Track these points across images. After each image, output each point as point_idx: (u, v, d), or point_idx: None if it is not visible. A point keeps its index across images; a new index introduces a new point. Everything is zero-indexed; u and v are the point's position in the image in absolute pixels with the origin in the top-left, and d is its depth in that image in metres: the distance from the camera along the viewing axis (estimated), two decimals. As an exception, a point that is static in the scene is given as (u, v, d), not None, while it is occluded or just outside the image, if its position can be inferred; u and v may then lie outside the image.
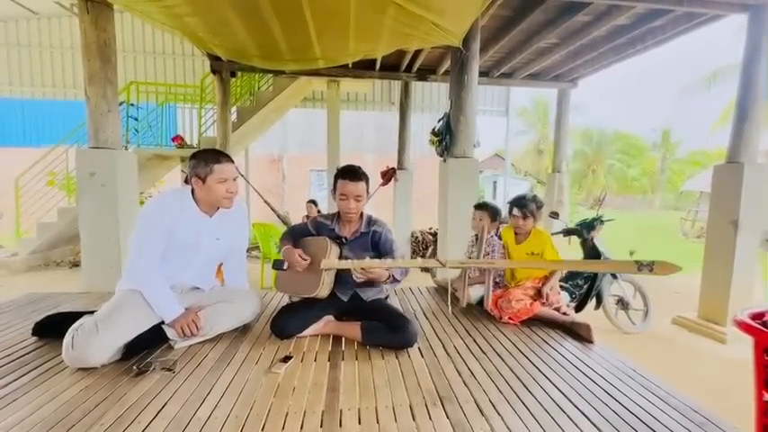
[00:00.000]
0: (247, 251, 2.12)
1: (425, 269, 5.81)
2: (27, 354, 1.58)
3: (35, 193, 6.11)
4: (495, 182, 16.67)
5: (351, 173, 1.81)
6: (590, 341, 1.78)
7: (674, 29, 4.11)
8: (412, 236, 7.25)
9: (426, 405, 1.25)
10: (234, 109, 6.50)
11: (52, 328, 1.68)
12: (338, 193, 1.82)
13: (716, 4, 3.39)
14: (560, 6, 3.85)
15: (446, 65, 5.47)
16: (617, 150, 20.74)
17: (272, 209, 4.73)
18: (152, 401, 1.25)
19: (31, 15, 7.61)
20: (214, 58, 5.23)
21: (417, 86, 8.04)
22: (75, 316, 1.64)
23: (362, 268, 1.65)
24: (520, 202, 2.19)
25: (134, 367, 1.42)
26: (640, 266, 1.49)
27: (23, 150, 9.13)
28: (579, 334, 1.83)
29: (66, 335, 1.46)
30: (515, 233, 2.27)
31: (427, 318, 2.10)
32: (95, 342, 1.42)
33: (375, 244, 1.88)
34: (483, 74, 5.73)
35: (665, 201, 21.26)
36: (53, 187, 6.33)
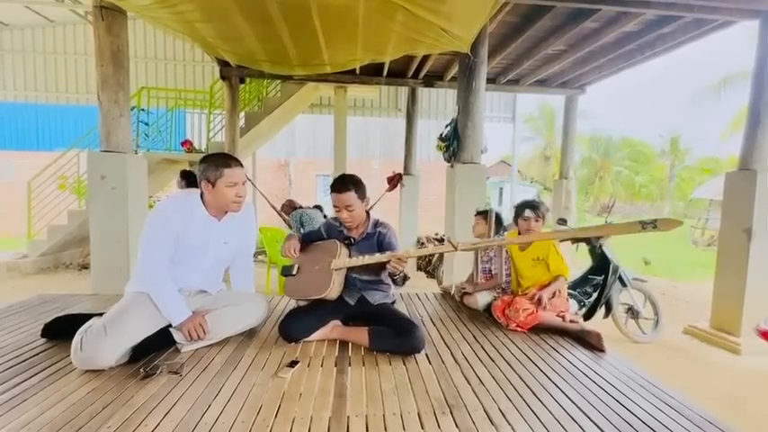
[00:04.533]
0: (254, 255, 2.13)
1: (431, 275, 5.80)
2: (36, 355, 1.59)
3: (47, 195, 6.21)
4: (501, 188, 16.61)
5: (336, 184, 1.84)
6: (601, 350, 1.75)
7: (684, 35, 4.08)
8: (418, 241, 7.23)
9: (435, 413, 1.23)
10: (242, 114, 6.58)
11: (61, 330, 1.69)
12: (332, 204, 1.87)
13: (727, 11, 3.37)
14: (568, 13, 3.85)
15: (453, 71, 5.49)
16: (624, 157, 20.54)
17: (279, 213, 4.74)
18: (159, 404, 1.25)
19: (47, 23, 7.81)
20: (223, 65, 5.30)
21: (424, 93, 8.08)
22: (84, 318, 1.65)
23: (398, 258, 1.69)
24: (532, 204, 2.18)
25: (141, 370, 1.42)
26: (644, 225, 1.47)
27: (37, 154, 9.31)
28: (589, 342, 1.80)
29: (75, 337, 1.47)
30: None
31: (434, 323, 2.08)
32: (103, 344, 1.43)
33: (380, 243, 1.90)
34: (490, 80, 5.73)
35: (675, 208, 20.98)
36: (64, 191, 6.43)
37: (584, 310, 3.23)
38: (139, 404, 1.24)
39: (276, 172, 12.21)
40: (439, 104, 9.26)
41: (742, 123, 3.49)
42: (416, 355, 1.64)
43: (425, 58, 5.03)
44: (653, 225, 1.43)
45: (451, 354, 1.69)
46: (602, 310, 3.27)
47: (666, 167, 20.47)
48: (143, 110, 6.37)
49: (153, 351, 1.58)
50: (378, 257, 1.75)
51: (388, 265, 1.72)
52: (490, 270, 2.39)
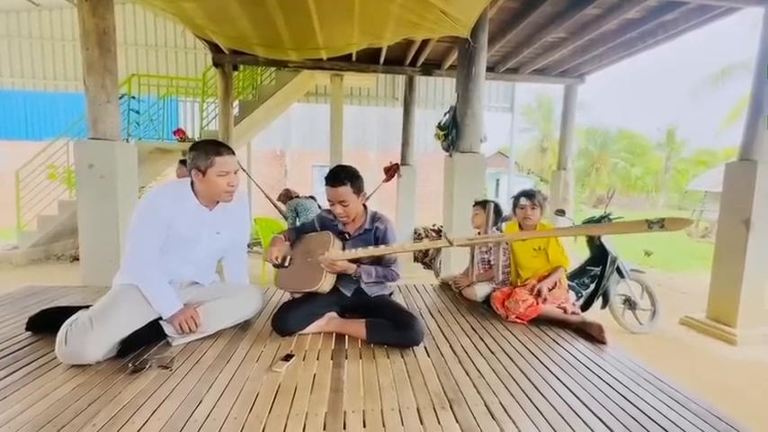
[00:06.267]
0: (249, 246, 2.08)
1: (428, 266, 5.77)
2: (20, 349, 1.53)
3: (36, 185, 6.08)
4: (497, 179, 16.56)
5: (330, 177, 1.74)
6: (602, 342, 1.72)
7: (687, 23, 4.01)
8: (415, 232, 7.19)
9: (434, 408, 1.19)
10: (236, 103, 6.44)
11: (47, 323, 1.63)
12: (326, 198, 1.79)
13: (731, -3, 3.30)
14: (570, -2, 3.76)
15: (451, 59, 5.39)
16: (621, 149, 20.58)
17: (274, 204, 4.67)
18: (147, 401, 1.20)
19: (33, 7, 7.55)
20: (216, 51, 5.16)
21: (421, 81, 7.97)
22: (71, 311, 1.59)
23: (332, 260, 1.68)
24: (528, 193, 2.14)
25: (129, 365, 1.37)
26: (651, 224, 1.42)
27: (26, 144, 9.09)
28: (590, 334, 1.77)
29: (60, 330, 1.41)
30: (520, 227, 2.20)
31: (432, 315, 2.04)
32: (89, 338, 1.37)
33: (377, 240, 1.83)
34: (489, 69, 5.60)
35: (670, 200, 21.12)
36: (54, 180, 6.29)
37: (581, 300, 3.22)
38: (127, 400, 1.19)
39: (272, 162, 12.07)
40: (437, 94, 9.13)
41: (739, 115, 3.46)
42: (415, 348, 1.60)
43: (423, 46, 4.93)
44: (660, 224, 1.36)
45: (450, 346, 1.65)
46: (599, 301, 3.26)
47: (662, 159, 20.54)
48: (134, 98, 6.21)
49: (142, 345, 1.53)
50: (371, 251, 1.70)
51: (322, 264, 1.70)
52: (489, 261, 2.35)
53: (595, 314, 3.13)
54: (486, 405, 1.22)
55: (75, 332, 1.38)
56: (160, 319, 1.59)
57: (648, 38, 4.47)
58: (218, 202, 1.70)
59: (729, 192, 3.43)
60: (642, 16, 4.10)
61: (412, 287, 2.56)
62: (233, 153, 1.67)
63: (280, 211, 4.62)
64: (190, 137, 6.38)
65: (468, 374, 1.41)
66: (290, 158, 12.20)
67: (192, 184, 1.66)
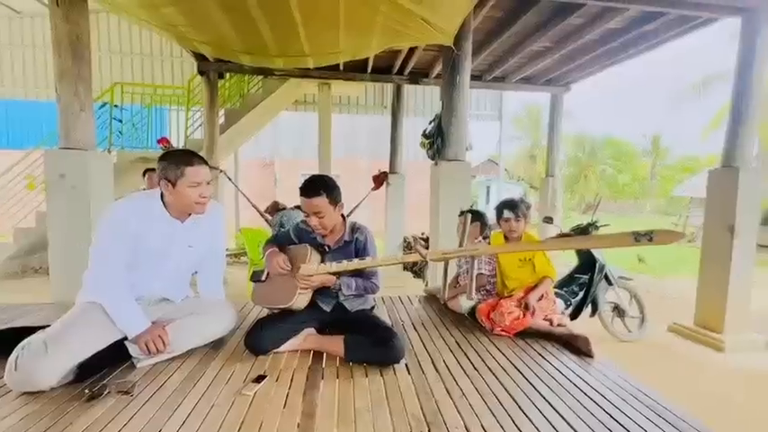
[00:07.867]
0: (235, 257, 1.99)
1: (418, 275, 5.71)
2: (-30, 375, 1.42)
3: (13, 196, 5.88)
4: (488, 187, 16.68)
5: (305, 188, 1.66)
6: (589, 355, 1.67)
7: (667, 33, 4.08)
8: (404, 241, 7.13)
9: (412, 433, 1.12)
10: (222, 111, 6.36)
11: (2, 346, 1.52)
12: (302, 209, 1.71)
13: (709, 7, 3.35)
14: (553, 8, 3.80)
15: (439, 67, 5.39)
16: (608, 156, 20.94)
17: (261, 213, 4.59)
18: (101, 431, 1.10)
19: (14, 14, 7.43)
20: (201, 59, 5.10)
21: (410, 90, 7.99)
22: (29, 331, 1.48)
23: (307, 275, 1.61)
24: (510, 204, 2.10)
25: (86, 391, 1.27)
26: (638, 237, 1.35)
27: (7, 153, 8.83)
28: (577, 347, 1.72)
29: (11, 355, 1.30)
30: (506, 238, 2.16)
31: (416, 330, 1.97)
32: (43, 363, 1.27)
33: (357, 252, 1.76)
34: (476, 77, 5.67)
35: (656, 206, 21.48)
36: (33, 190, 6.10)
37: (570, 309, 3.18)
38: (79, 431, 1.10)
39: (261, 171, 11.95)
40: (425, 102, 9.17)
41: (721, 122, 3.50)
42: (395, 365, 1.52)
43: (410, 54, 4.93)
44: (648, 237, 1.29)
45: (433, 363, 1.58)
46: (588, 309, 3.23)
47: (648, 166, 20.94)
48: (116, 106, 6.08)
49: (104, 368, 1.43)
50: (347, 264, 1.63)
51: (297, 281, 1.63)
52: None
53: (585, 322, 3.10)
54: (466, 428, 1.15)
55: (27, 357, 1.28)
56: (125, 338, 1.49)
57: (630, 47, 4.54)
58: (189, 215, 1.63)
59: (713, 198, 3.45)
60: (623, 26, 4.16)
61: (396, 299, 2.49)
62: (205, 163, 1.61)
63: (267, 221, 4.54)
64: (174, 145, 6.26)
65: (449, 394, 1.34)
66: (280, 167, 12.10)
67: (161, 195, 1.58)
